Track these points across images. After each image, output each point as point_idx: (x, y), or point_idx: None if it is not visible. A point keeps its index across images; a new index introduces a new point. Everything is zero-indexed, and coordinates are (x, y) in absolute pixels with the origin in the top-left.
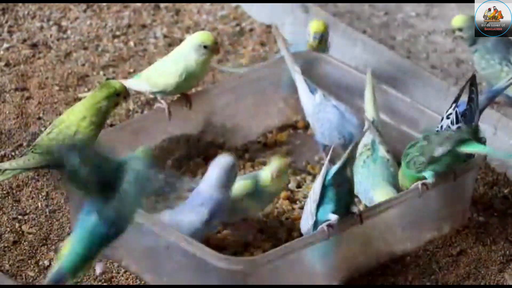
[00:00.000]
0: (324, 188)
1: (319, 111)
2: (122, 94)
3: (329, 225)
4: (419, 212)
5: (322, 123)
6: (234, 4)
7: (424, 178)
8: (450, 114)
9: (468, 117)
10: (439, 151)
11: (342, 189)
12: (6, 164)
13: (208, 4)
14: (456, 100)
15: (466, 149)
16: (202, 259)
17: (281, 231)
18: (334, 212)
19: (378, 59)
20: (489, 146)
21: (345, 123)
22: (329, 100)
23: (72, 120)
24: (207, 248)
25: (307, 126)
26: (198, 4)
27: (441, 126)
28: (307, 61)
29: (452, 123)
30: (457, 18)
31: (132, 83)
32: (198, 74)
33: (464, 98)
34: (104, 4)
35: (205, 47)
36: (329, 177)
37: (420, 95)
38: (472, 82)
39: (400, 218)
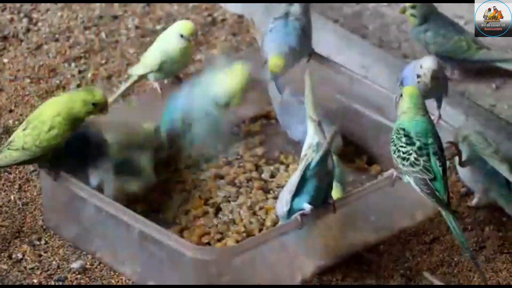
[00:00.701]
0: (304, 179)
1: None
2: (99, 106)
3: (302, 214)
4: (392, 200)
5: (288, 120)
6: None
7: None
8: None
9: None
10: (405, 179)
11: (322, 181)
12: None
13: None
14: None
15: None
16: (175, 249)
17: (254, 221)
18: (310, 203)
19: (350, 48)
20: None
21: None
22: (295, 97)
23: (47, 115)
24: (180, 238)
25: None
26: None
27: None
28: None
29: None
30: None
31: (135, 69)
32: (179, 60)
33: None
34: None
35: (181, 36)
36: (311, 167)
37: (392, 84)
38: None
39: (373, 207)
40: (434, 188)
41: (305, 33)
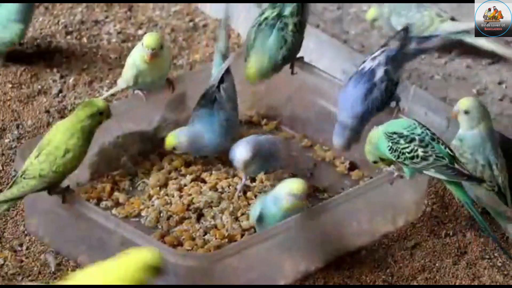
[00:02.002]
0: None
1: None
2: (105, 113)
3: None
4: (374, 205)
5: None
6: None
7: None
8: (376, 56)
9: (398, 62)
10: (429, 172)
11: None
12: (0, 196)
13: None
14: (384, 45)
15: (457, 192)
16: None
17: (236, 226)
18: None
19: (332, 53)
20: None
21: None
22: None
23: (60, 139)
24: (163, 244)
25: (261, 121)
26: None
27: (363, 67)
28: None
29: (379, 64)
30: (370, 11)
31: (119, 83)
32: (149, 72)
33: None
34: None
35: (146, 48)
36: None
37: None
38: (407, 31)
39: (355, 212)
40: (458, 168)
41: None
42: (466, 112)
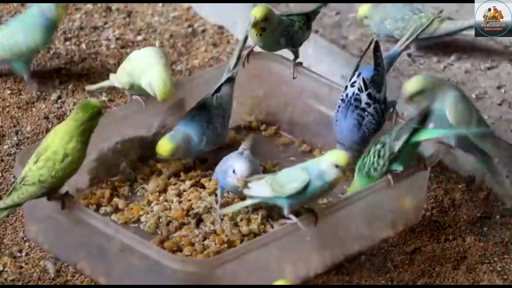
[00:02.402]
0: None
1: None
2: (102, 112)
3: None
4: (373, 210)
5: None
6: (186, 5)
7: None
8: (355, 82)
9: (378, 82)
10: (397, 145)
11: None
12: (0, 203)
13: (160, 5)
14: (357, 68)
15: (423, 137)
16: (156, 260)
17: (236, 232)
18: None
19: (330, 59)
20: (443, 128)
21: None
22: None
23: (58, 144)
24: (163, 250)
25: (260, 126)
26: (150, 6)
27: (346, 95)
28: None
29: (360, 90)
30: (362, 7)
31: (113, 79)
32: None
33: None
34: None
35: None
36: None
37: None
38: (376, 47)
39: (354, 217)
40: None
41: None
42: (419, 93)
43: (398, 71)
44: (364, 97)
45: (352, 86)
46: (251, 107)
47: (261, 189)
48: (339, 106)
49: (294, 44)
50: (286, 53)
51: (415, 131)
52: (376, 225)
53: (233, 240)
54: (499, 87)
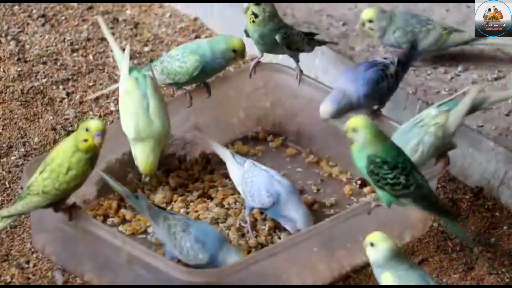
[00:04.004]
0: None
1: (248, 177)
2: (105, 131)
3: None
4: (380, 221)
5: (251, 186)
6: (192, 16)
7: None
8: (387, 57)
9: (404, 68)
10: (407, 201)
11: None
12: (4, 212)
13: (167, 16)
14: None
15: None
16: (164, 272)
17: (243, 243)
18: None
19: (337, 69)
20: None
21: (274, 182)
22: (257, 166)
23: (63, 157)
24: (170, 261)
25: (267, 137)
26: (157, 17)
27: (375, 59)
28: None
29: (392, 62)
30: (367, 10)
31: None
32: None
33: None
34: (63, 18)
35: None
36: None
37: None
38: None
39: (362, 228)
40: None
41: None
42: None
43: (405, 82)
44: (392, 69)
45: (382, 58)
46: (258, 118)
47: None
48: (361, 63)
49: (289, 46)
50: (293, 63)
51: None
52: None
53: (241, 250)
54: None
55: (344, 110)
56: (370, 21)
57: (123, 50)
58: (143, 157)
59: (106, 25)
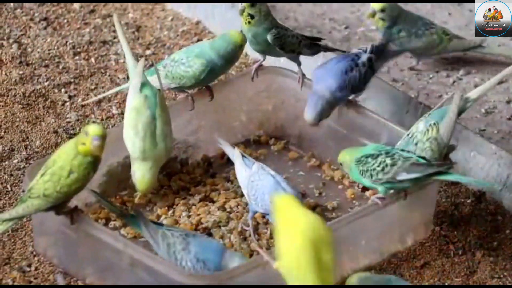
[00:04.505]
0: None
1: (254, 179)
2: (105, 135)
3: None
4: (382, 225)
5: (255, 190)
6: (195, 20)
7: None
8: (362, 48)
9: (381, 56)
10: (402, 176)
11: None
12: (5, 215)
13: (169, 19)
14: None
15: (440, 178)
16: (165, 275)
17: (245, 246)
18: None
19: None
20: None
21: (279, 188)
22: (265, 170)
23: (64, 160)
24: (172, 264)
25: (269, 141)
26: (159, 20)
27: (349, 52)
28: (269, 75)
29: (364, 51)
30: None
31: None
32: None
33: None
34: (65, 21)
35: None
36: None
37: (381, 107)
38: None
39: (363, 231)
40: (425, 160)
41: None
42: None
43: (407, 85)
44: (364, 57)
45: (357, 49)
46: (260, 122)
47: None
48: (333, 57)
49: (282, 47)
50: (295, 67)
51: (434, 174)
52: (385, 239)
53: (243, 254)
54: (508, 102)
55: (325, 110)
56: (383, 10)
57: (137, 58)
58: (140, 175)
59: (121, 28)
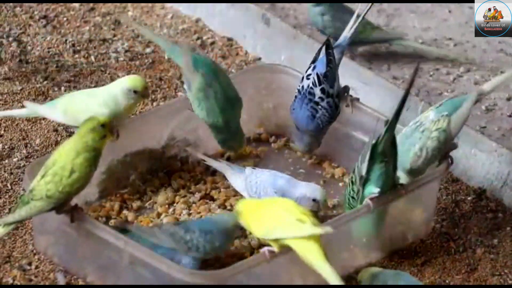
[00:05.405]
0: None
1: (252, 180)
2: (108, 126)
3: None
4: (383, 222)
5: (256, 187)
6: (194, 18)
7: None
8: (310, 74)
9: (331, 77)
10: (363, 168)
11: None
12: (9, 218)
13: (169, 17)
14: (313, 61)
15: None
16: (166, 273)
17: (246, 244)
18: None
19: (340, 70)
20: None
21: (277, 178)
22: (258, 169)
23: (65, 159)
24: (172, 263)
25: (269, 138)
26: (159, 18)
27: (302, 86)
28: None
29: (314, 84)
30: None
31: (46, 111)
32: (123, 116)
33: None
34: (64, 19)
35: (135, 92)
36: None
37: (382, 105)
38: (328, 45)
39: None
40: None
41: None
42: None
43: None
44: (317, 91)
45: (307, 78)
46: (260, 119)
47: None
48: (295, 96)
49: None
50: (295, 65)
51: (374, 147)
52: (386, 236)
53: (243, 252)
54: (508, 99)
55: (312, 141)
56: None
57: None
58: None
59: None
